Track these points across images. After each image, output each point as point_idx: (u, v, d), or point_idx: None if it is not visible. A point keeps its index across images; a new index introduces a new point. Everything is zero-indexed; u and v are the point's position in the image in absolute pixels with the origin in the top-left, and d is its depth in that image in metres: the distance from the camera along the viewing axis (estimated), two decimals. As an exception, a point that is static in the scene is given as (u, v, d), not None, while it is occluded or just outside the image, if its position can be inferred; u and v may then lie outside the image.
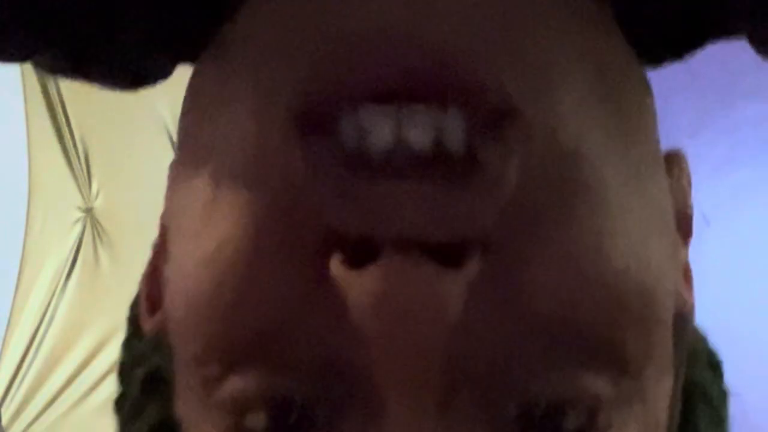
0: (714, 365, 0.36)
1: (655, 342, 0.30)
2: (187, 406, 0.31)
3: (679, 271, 0.33)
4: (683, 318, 0.33)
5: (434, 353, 0.26)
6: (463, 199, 0.26)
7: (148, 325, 0.36)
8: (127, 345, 0.38)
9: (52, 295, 2.42)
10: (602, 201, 0.28)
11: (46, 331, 2.42)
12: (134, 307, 0.38)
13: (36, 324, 2.41)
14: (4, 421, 2.35)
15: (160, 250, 0.35)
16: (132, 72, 0.36)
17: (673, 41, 0.35)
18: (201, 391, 0.30)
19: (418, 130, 0.26)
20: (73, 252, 2.44)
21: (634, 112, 0.31)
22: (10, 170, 2.36)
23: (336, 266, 0.27)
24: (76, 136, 2.38)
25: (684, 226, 0.34)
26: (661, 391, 0.30)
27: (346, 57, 0.27)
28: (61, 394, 2.39)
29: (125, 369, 0.37)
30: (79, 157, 2.41)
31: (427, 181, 0.26)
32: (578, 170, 0.28)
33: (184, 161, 0.32)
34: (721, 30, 0.34)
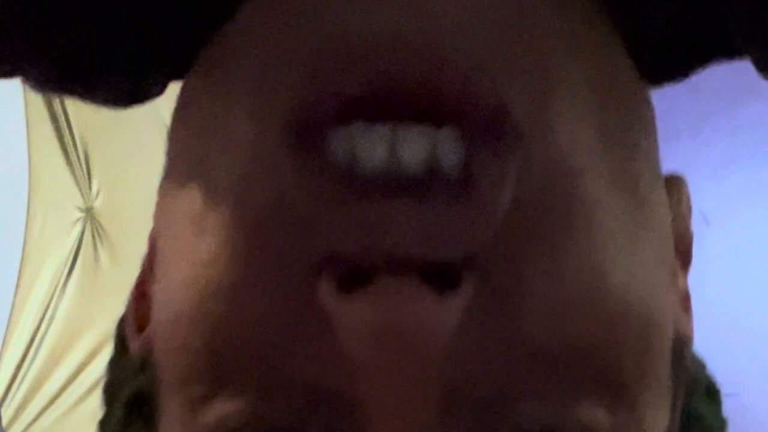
0: (712, 394, 0.36)
1: (652, 369, 0.29)
2: (171, 429, 0.30)
3: (677, 298, 0.33)
4: (681, 346, 0.32)
5: (427, 383, 0.25)
6: (458, 217, 0.25)
7: (134, 344, 0.35)
8: (113, 364, 0.37)
9: (52, 295, 2.42)
10: (600, 220, 0.27)
11: (46, 331, 2.42)
12: (121, 325, 0.37)
13: (36, 324, 2.41)
14: (4, 421, 2.35)
15: (148, 267, 0.34)
16: (125, 88, 0.35)
17: (673, 61, 0.35)
18: (186, 413, 0.29)
19: (412, 150, 0.26)
20: (73, 252, 2.44)
21: (635, 128, 0.31)
22: (10, 170, 2.36)
23: (326, 290, 0.26)
24: (76, 136, 2.38)
25: (683, 253, 0.34)
26: (658, 420, 0.30)
27: (341, 67, 0.26)
28: (61, 394, 2.39)
29: (110, 389, 0.36)
30: (79, 157, 2.42)
31: (421, 200, 0.25)
32: (576, 187, 0.27)
33: (174, 175, 0.32)
34: (723, 52, 0.33)
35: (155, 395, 0.31)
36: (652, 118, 0.32)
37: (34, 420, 2.39)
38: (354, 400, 0.26)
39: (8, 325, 2.41)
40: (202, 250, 0.28)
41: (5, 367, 2.40)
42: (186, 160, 0.31)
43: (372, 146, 0.26)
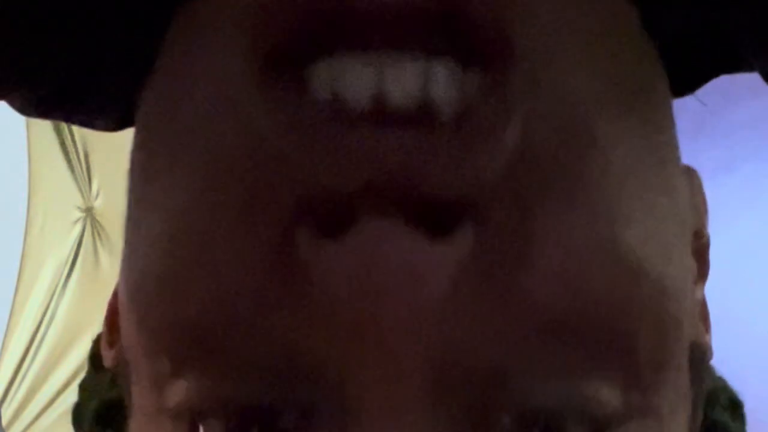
0: (734, 407, 0.33)
1: (670, 356, 0.26)
2: (138, 420, 0.27)
3: (695, 300, 0.29)
4: (701, 352, 0.29)
5: (415, 350, 0.22)
6: (456, 149, 0.22)
7: (108, 358, 0.32)
8: (85, 383, 0.35)
9: (52, 295, 2.43)
10: (616, 165, 0.24)
11: (46, 331, 2.42)
12: (96, 344, 0.35)
13: (36, 324, 2.41)
14: (4, 422, 2.35)
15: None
16: (118, 109, 0.33)
17: (682, 77, 0.32)
18: (152, 392, 0.26)
19: (401, 86, 0.22)
20: (73, 252, 2.44)
21: (655, 101, 0.27)
22: (10, 170, 2.36)
23: (304, 239, 0.22)
24: (76, 136, 2.39)
25: (700, 258, 0.30)
26: (676, 422, 0.27)
27: None
28: (61, 394, 2.39)
29: (80, 405, 0.34)
30: (79, 157, 2.42)
31: (413, 131, 0.22)
32: (590, 125, 0.24)
33: (146, 141, 0.28)
34: (732, 66, 0.32)
35: (126, 402, 0.29)
36: (664, 79, 0.29)
37: (34, 420, 2.39)
38: (335, 373, 0.23)
39: (8, 325, 2.41)
40: (168, 204, 0.25)
41: (5, 367, 2.40)
42: (158, 120, 0.27)
43: (356, 82, 0.22)
